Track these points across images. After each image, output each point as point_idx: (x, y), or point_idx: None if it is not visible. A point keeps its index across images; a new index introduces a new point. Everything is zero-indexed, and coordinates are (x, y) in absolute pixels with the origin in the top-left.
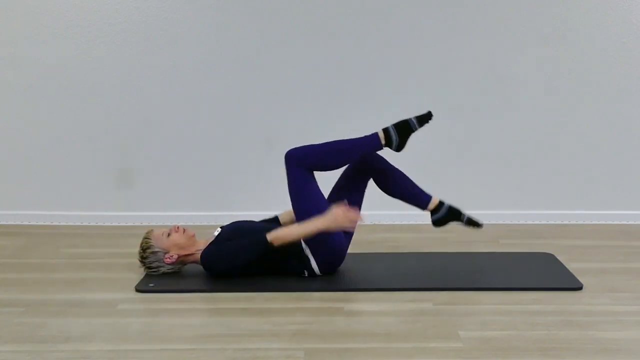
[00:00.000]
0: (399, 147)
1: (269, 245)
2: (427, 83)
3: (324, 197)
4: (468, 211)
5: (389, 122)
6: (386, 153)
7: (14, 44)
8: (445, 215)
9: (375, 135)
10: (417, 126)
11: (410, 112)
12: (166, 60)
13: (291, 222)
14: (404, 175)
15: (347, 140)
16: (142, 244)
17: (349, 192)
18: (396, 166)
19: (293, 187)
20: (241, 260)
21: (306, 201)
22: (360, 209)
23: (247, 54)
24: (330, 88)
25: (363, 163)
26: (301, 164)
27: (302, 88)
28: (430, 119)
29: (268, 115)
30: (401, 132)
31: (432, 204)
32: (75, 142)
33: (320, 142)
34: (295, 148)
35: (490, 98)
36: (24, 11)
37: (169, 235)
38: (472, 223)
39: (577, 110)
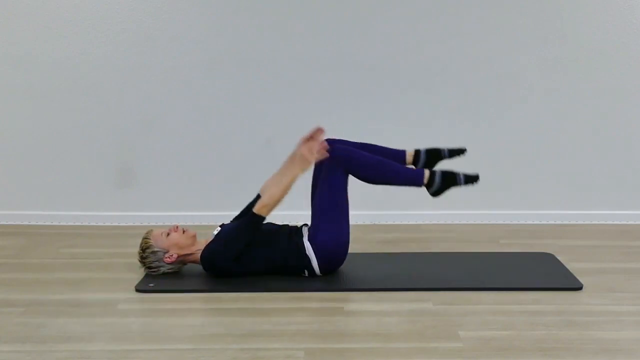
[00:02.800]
0: (435, 194)
1: (258, 217)
2: (427, 83)
3: (348, 203)
4: (468, 211)
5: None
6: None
7: (14, 44)
8: (442, 186)
9: (421, 172)
10: (462, 182)
11: (410, 112)
12: (166, 60)
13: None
14: (381, 160)
15: (394, 164)
16: (141, 244)
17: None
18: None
19: (330, 183)
20: (241, 243)
21: (332, 202)
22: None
23: (247, 54)
24: (331, 88)
25: (343, 168)
26: (344, 165)
27: (302, 88)
28: (476, 180)
29: (268, 115)
30: (445, 182)
31: (409, 156)
32: (75, 142)
33: (368, 154)
34: (343, 147)
35: (490, 98)
36: (24, 11)
37: (168, 235)
38: (455, 152)
39: (577, 110)
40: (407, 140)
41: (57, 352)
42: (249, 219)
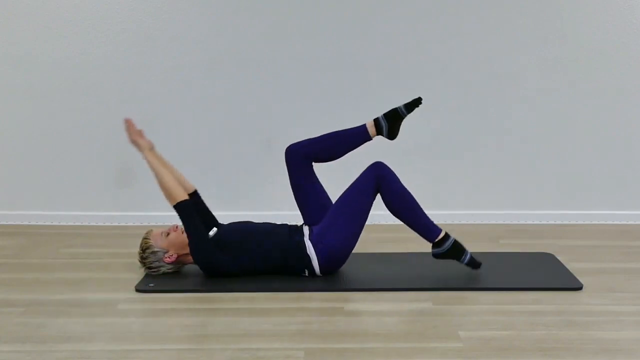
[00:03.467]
0: (390, 134)
1: (177, 207)
2: (427, 83)
3: (324, 191)
4: (468, 211)
5: None
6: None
7: (14, 43)
8: (447, 252)
9: (364, 125)
10: (405, 112)
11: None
12: (166, 60)
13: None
14: (415, 200)
15: (340, 131)
16: (141, 244)
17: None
18: (397, 168)
19: (297, 181)
20: (197, 228)
21: (308, 194)
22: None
23: (247, 54)
24: (330, 88)
25: (376, 181)
26: (303, 156)
27: (302, 88)
28: (419, 104)
29: (268, 115)
30: (390, 119)
31: (439, 237)
32: (75, 142)
33: (315, 136)
34: (294, 143)
35: (490, 98)
36: (24, 11)
37: (167, 235)
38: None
39: (577, 110)
40: (407, 139)
41: (57, 352)
42: (178, 214)
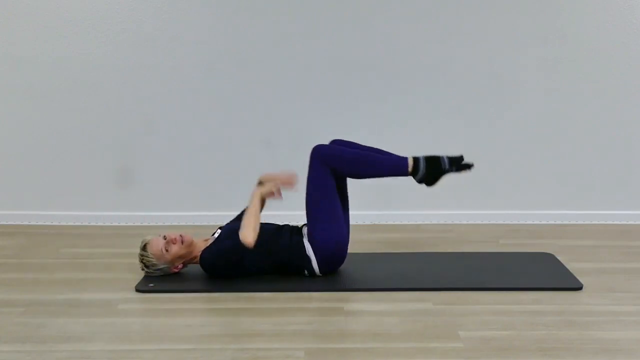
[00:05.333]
0: (427, 182)
1: (243, 245)
2: (427, 83)
3: (339, 202)
4: (468, 211)
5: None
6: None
7: (14, 43)
8: (427, 171)
9: (405, 160)
10: (447, 166)
11: (410, 113)
12: (166, 60)
13: None
14: (365, 154)
15: (377, 155)
16: (143, 260)
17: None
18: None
19: (313, 184)
20: (234, 260)
21: (322, 203)
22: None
23: (246, 54)
24: (330, 88)
25: (324, 164)
26: (326, 163)
27: (302, 88)
28: (467, 167)
29: (267, 115)
30: (430, 167)
31: (410, 165)
32: (75, 142)
33: (349, 149)
34: (326, 146)
35: (490, 98)
36: (24, 11)
37: (167, 250)
38: (456, 163)
39: (577, 110)
40: (407, 139)
41: (57, 352)
42: (235, 242)
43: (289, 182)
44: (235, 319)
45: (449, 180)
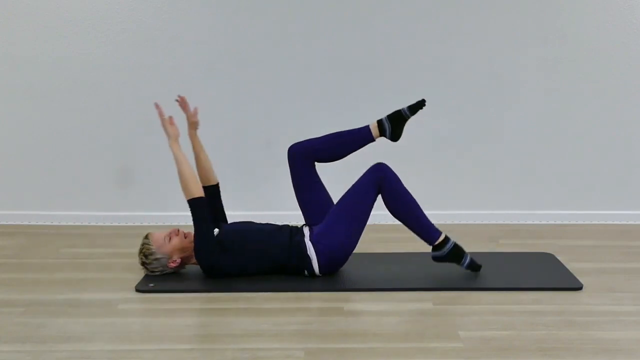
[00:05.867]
0: (393, 136)
1: (192, 202)
2: (427, 83)
3: (326, 191)
4: (468, 211)
5: None
6: (392, 158)
7: (14, 43)
8: (447, 255)
9: (367, 125)
10: (408, 114)
11: None
12: (166, 60)
13: (206, 173)
14: (415, 202)
15: (343, 131)
16: (142, 249)
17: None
18: (399, 168)
19: (299, 181)
20: (206, 229)
21: (311, 194)
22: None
23: (247, 54)
24: (331, 88)
25: (378, 183)
26: (305, 156)
27: (302, 88)
28: (422, 106)
29: (268, 115)
30: (393, 121)
31: (439, 240)
32: (75, 142)
33: (318, 136)
34: (297, 143)
35: (490, 98)
36: (24, 11)
37: (170, 240)
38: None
39: (577, 110)
40: (407, 139)
41: (57, 352)
42: (190, 209)
43: (192, 118)
44: (235, 319)
45: (449, 180)
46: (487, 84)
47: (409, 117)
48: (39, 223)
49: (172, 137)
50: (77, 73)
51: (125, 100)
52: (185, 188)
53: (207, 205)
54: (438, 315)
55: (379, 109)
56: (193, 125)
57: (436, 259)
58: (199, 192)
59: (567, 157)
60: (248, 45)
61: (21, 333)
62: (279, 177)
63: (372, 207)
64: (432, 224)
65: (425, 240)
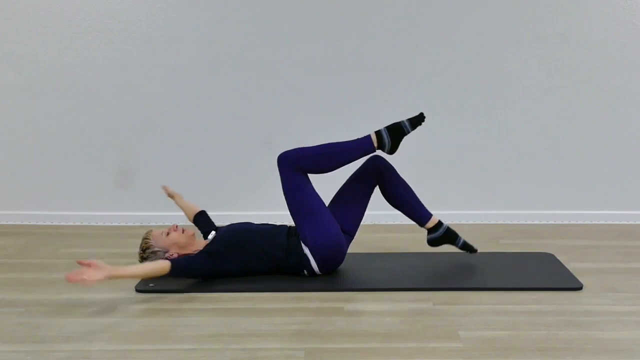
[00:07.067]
0: (391, 150)
1: (168, 273)
2: (427, 83)
3: (319, 198)
4: (468, 211)
5: (388, 122)
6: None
7: (14, 43)
8: (441, 236)
9: (368, 137)
10: (409, 129)
11: (410, 113)
12: (166, 60)
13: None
14: (409, 188)
15: (340, 143)
16: (141, 244)
17: (355, 199)
18: (399, 167)
19: (287, 190)
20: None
21: (301, 205)
22: (363, 215)
23: (247, 54)
24: (331, 88)
25: (371, 170)
26: (294, 167)
27: (302, 88)
28: (422, 121)
29: (268, 115)
30: (393, 135)
31: (431, 223)
32: (76, 142)
33: (313, 145)
34: (288, 151)
35: (490, 98)
36: (24, 11)
37: (167, 234)
38: (467, 247)
39: (577, 111)
40: (407, 139)
41: (57, 352)
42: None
43: (171, 195)
44: (235, 319)
45: (449, 180)
46: (487, 84)
47: (409, 132)
48: (39, 223)
49: (104, 274)
50: (78, 73)
51: (125, 100)
52: (155, 276)
53: (178, 270)
54: (438, 315)
55: (379, 108)
56: (177, 197)
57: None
58: (164, 269)
59: (567, 157)
60: (248, 46)
61: (21, 333)
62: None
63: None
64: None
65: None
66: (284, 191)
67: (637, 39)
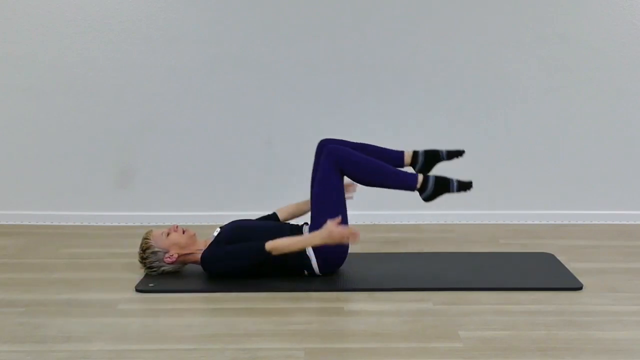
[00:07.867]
0: (427, 200)
1: (267, 254)
2: (427, 83)
3: (345, 205)
4: (468, 211)
5: (388, 121)
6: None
7: (14, 43)
8: (434, 190)
9: (414, 177)
10: (455, 189)
11: (410, 112)
12: (166, 60)
13: (290, 218)
14: (378, 162)
15: (387, 166)
16: (141, 244)
17: (340, 200)
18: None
19: (322, 182)
20: (238, 265)
21: (329, 203)
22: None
23: (246, 54)
24: (331, 87)
25: (334, 165)
26: (337, 165)
27: (302, 87)
28: (460, 155)
29: (268, 115)
30: (438, 188)
31: (420, 182)
32: (76, 142)
33: (360, 142)
34: (338, 146)
35: (490, 98)
36: (24, 11)
37: (168, 235)
38: (453, 154)
39: (577, 110)
40: (407, 140)
41: (57, 352)
42: (258, 251)
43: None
44: (235, 319)
45: None
46: (487, 84)
47: (442, 160)
48: (39, 223)
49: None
50: (78, 73)
51: (125, 100)
52: (278, 251)
53: (260, 263)
54: (438, 315)
55: (379, 108)
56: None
57: (427, 199)
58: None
59: (567, 157)
60: (248, 45)
61: (21, 333)
62: (279, 177)
63: (342, 189)
64: (405, 172)
65: (408, 189)
66: (317, 178)
67: (637, 39)
